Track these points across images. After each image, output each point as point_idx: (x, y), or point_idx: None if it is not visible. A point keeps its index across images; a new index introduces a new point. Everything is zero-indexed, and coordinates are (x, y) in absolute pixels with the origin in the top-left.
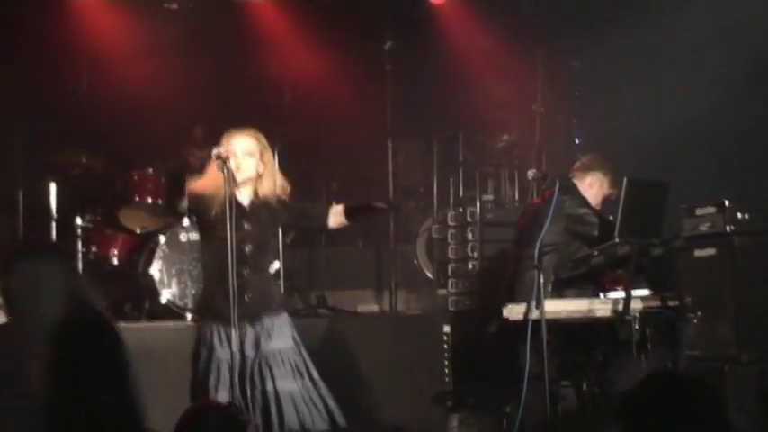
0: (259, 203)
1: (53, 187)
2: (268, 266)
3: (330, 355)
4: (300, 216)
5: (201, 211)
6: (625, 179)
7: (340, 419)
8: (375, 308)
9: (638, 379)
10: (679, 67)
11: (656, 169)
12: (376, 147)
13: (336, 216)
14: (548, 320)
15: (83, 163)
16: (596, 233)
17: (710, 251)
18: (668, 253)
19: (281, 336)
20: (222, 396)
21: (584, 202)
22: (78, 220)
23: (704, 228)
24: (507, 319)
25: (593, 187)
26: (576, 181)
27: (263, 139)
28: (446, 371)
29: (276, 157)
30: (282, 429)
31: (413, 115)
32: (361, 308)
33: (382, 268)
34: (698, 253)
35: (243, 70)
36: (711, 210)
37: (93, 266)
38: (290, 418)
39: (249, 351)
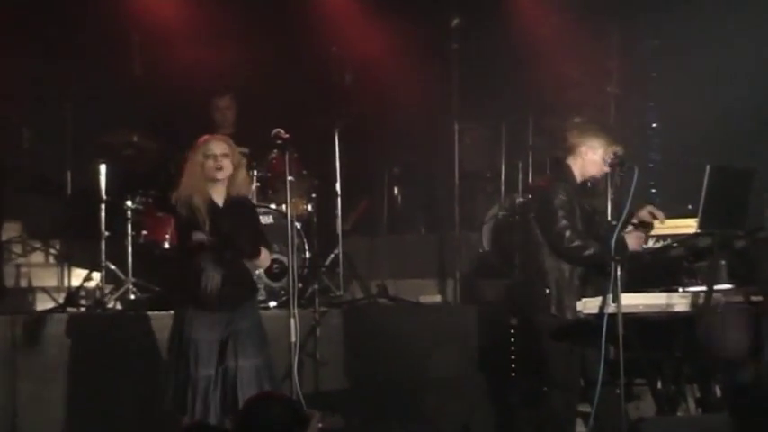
0: (232, 202)
1: (103, 168)
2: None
3: (391, 348)
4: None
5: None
6: (708, 166)
7: None
8: (438, 298)
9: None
10: (764, 45)
11: (740, 155)
12: (441, 129)
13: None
14: (624, 315)
15: (134, 143)
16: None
17: None
18: (753, 245)
19: (248, 316)
20: (203, 373)
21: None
22: (128, 203)
23: None
24: (581, 313)
25: (586, 155)
26: (570, 157)
27: (231, 142)
28: (512, 366)
29: (336, 138)
30: None
31: (480, 96)
32: (424, 298)
33: (446, 256)
34: None
35: (303, 49)
36: None
37: (144, 251)
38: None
39: (223, 333)
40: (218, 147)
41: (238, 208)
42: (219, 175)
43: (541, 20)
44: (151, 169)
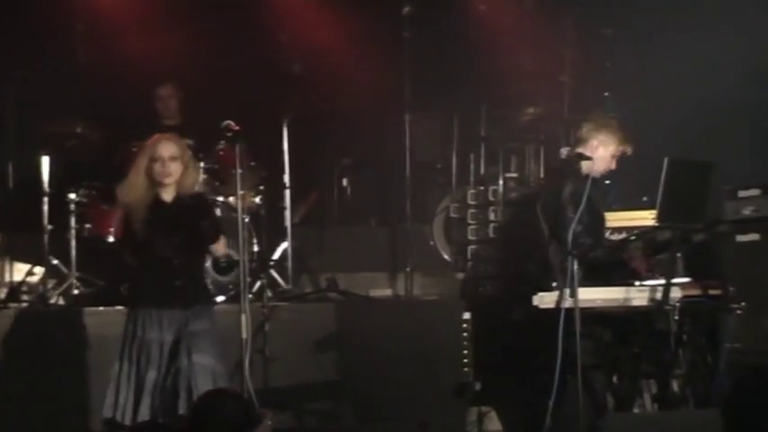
0: (181, 198)
1: (45, 160)
2: (200, 254)
3: (340, 343)
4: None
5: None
6: (666, 159)
7: None
8: (389, 292)
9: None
10: (721, 37)
11: (696, 147)
12: (392, 120)
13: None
14: (582, 309)
15: (78, 134)
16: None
17: (754, 236)
18: (711, 238)
19: (202, 318)
20: (151, 375)
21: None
22: (72, 195)
23: (747, 211)
24: (536, 308)
25: (597, 150)
26: (581, 148)
27: (182, 142)
28: (465, 361)
29: (285, 130)
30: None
31: (432, 86)
32: (374, 292)
33: (397, 249)
34: (740, 238)
35: (251, 38)
36: (755, 192)
37: (88, 244)
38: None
39: (175, 335)
40: (166, 149)
41: (187, 204)
42: (167, 181)
43: (494, 9)
44: (96, 160)
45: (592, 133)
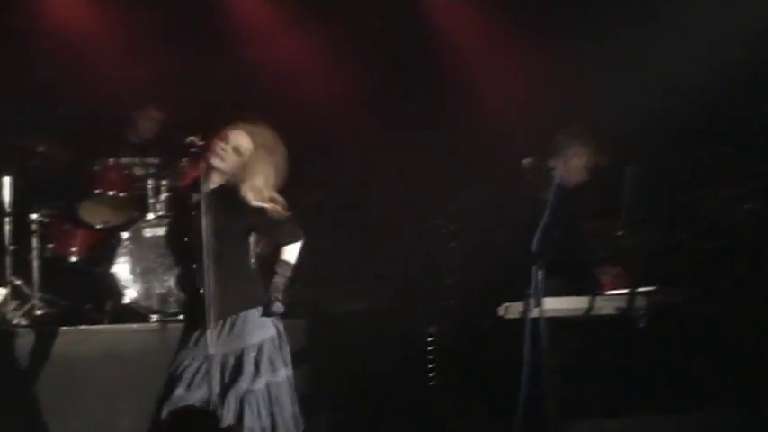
0: (227, 190)
1: (7, 181)
2: (240, 258)
3: (309, 359)
4: (271, 229)
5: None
6: (630, 165)
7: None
8: (356, 306)
9: None
10: (695, 32)
11: (664, 152)
12: (371, 135)
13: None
14: (548, 319)
15: (40, 152)
16: None
17: (724, 242)
18: (678, 244)
19: (251, 332)
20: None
21: None
22: (34, 216)
23: (716, 217)
24: (502, 318)
25: (571, 160)
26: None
27: (263, 139)
28: (432, 374)
29: None
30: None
31: (404, 98)
32: (342, 306)
33: (365, 262)
34: (710, 245)
35: (217, 53)
36: (725, 197)
37: (51, 264)
38: (248, 417)
39: (212, 349)
40: (236, 136)
41: (230, 197)
42: (215, 162)
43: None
44: (58, 178)
45: (567, 142)
